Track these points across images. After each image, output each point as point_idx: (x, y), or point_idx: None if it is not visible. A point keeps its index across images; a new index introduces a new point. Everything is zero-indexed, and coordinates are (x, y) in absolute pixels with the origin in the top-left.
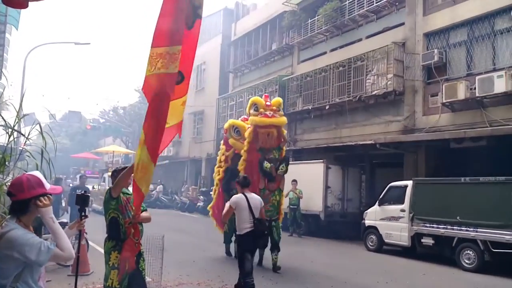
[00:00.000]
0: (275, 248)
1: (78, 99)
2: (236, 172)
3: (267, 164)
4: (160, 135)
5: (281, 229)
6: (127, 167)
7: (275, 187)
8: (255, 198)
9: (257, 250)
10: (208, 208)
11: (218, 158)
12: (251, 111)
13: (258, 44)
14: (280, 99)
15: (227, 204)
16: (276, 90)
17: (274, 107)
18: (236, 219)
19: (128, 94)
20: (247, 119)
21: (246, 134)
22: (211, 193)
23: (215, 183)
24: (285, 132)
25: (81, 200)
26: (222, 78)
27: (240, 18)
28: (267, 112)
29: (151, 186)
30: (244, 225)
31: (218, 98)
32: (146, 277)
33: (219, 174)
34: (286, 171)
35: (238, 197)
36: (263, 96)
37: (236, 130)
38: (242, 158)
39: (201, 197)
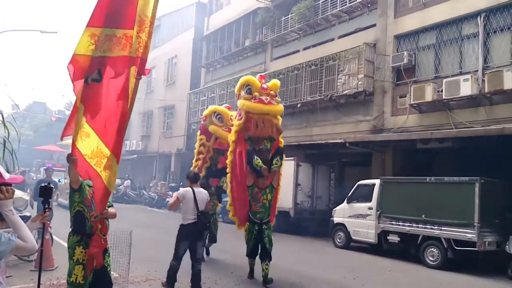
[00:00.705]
0: (266, 257)
1: (43, 89)
2: (216, 168)
3: (258, 162)
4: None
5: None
6: None
7: (266, 183)
8: (202, 193)
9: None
10: None
11: (196, 150)
12: (242, 93)
13: (231, 40)
14: (278, 82)
15: (174, 195)
16: None
17: (272, 92)
18: (181, 210)
19: None
20: (230, 108)
21: (235, 122)
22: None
23: None
24: (280, 120)
25: (45, 192)
26: (194, 72)
27: (214, 13)
28: (263, 97)
29: (118, 181)
30: (188, 216)
31: (189, 93)
32: (112, 272)
33: (202, 172)
34: (280, 165)
35: (185, 190)
36: (257, 76)
37: (218, 116)
38: (230, 149)
39: (170, 192)
